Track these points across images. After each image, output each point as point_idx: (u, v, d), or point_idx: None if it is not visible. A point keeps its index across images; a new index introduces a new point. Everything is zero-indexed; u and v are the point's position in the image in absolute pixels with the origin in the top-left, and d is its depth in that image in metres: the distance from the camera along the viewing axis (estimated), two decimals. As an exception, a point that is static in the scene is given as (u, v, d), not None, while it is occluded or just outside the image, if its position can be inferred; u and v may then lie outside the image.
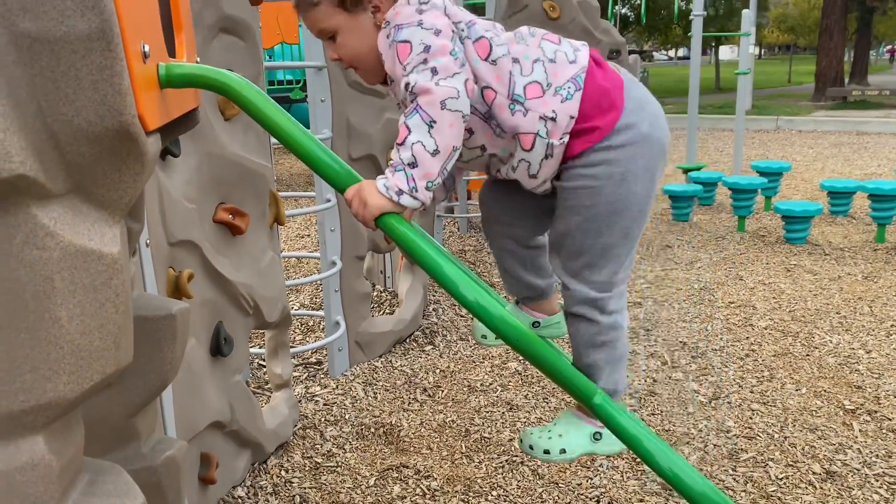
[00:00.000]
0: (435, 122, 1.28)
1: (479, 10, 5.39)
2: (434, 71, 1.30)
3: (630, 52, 5.53)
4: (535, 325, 1.70)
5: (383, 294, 4.36)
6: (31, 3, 0.75)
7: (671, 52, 44.11)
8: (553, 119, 1.41)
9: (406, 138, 1.29)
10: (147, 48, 0.90)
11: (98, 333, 0.89)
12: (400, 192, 1.29)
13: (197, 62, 1.66)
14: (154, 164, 0.95)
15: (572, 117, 1.42)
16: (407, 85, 1.31)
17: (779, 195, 6.80)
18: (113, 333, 0.91)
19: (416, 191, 1.29)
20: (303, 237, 5.88)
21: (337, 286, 3.24)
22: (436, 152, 1.29)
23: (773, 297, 4.11)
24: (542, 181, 1.50)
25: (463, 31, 1.39)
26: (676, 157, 9.34)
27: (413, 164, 1.28)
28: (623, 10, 21.86)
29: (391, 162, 1.32)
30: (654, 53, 45.42)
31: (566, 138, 1.43)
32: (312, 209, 3.17)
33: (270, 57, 8.43)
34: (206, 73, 1.05)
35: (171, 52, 1.32)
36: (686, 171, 7.10)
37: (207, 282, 2.37)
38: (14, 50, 0.76)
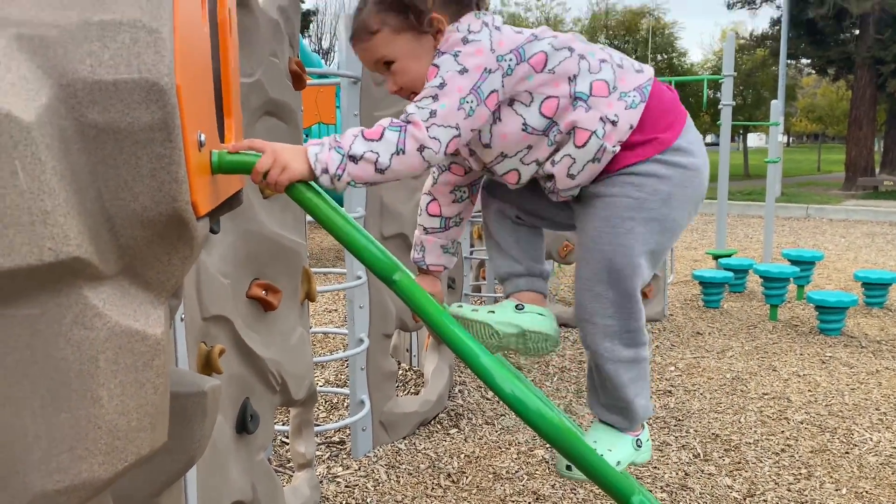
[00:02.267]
0: (404, 153, 1.27)
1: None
2: (432, 114, 1.30)
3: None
4: (520, 307, 1.57)
5: (408, 373, 4.32)
6: (100, 96, 0.79)
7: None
8: (614, 123, 1.40)
9: (372, 140, 1.26)
10: (203, 137, 0.94)
11: (136, 414, 0.89)
12: (325, 171, 1.25)
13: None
14: (202, 247, 0.98)
15: (632, 126, 1.40)
16: (406, 111, 1.32)
17: (811, 284, 6.70)
18: (150, 414, 0.91)
19: (338, 179, 1.26)
20: (330, 311, 5.90)
21: (363, 364, 3.22)
22: (380, 172, 1.27)
23: (809, 390, 3.99)
24: (576, 185, 1.47)
25: (511, 60, 1.38)
26: (706, 243, 9.33)
27: (354, 160, 1.25)
28: (651, 97, 22.28)
29: (337, 138, 1.28)
30: (682, 139, 45.88)
31: (618, 147, 1.41)
32: (342, 286, 3.19)
33: (307, 136, 8.70)
34: (254, 161, 1.09)
35: (221, 137, 1.38)
36: (716, 256, 7.05)
37: (237, 357, 2.38)
38: (80, 138, 0.80)
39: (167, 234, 0.88)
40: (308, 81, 2.86)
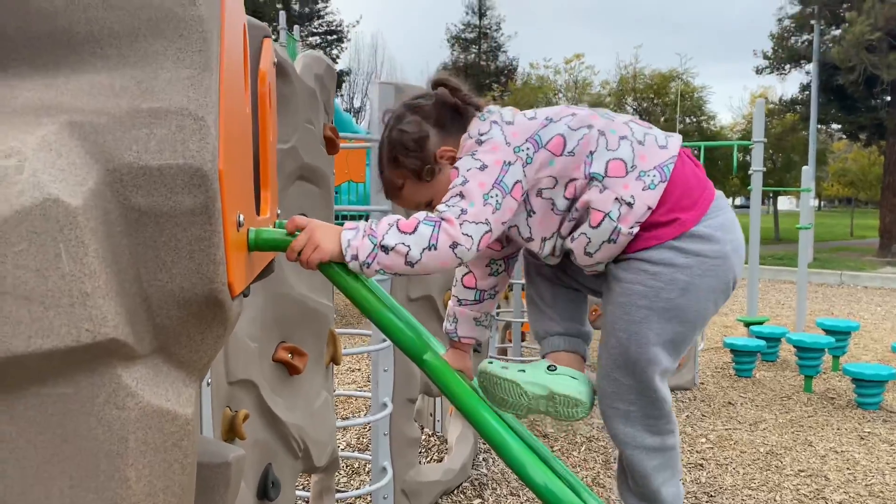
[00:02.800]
0: (436, 249, 1.27)
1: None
2: (463, 211, 1.31)
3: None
4: (552, 368, 1.50)
5: (431, 438, 4.25)
6: (144, 181, 0.81)
7: (728, 201, 44.33)
8: (630, 204, 1.35)
9: (405, 233, 1.26)
10: (242, 218, 0.95)
11: (163, 495, 0.88)
12: (355, 257, 1.25)
13: (278, 214, 1.75)
14: (233, 328, 0.98)
15: (650, 208, 1.35)
16: (437, 210, 1.33)
17: (847, 355, 6.52)
18: (177, 495, 0.90)
19: (367, 266, 1.25)
20: (353, 371, 5.87)
21: (386, 429, 3.18)
22: (410, 265, 1.26)
23: (847, 468, 3.84)
24: (595, 262, 1.43)
25: (528, 149, 1.38)
26: (737, 309, 9.18)
27: (386, 251, 1.25)
28: (679, 160, 22.27)
29: (373, 226, 1.28)
30: (711, 201, 45.60)
31: (636, 228, 1.36)
32: (368, 349, 3.18)
33: (337, 193, 8.82)
34: (290, 240, 1.10)
35: (258, 208, 1.40)
36: (748, 324, 6.92)
37: (261, 422, 2.36)
38: (123, 221, 0.82)
39: (202, 314, 0.89)
40: (341, 145, 2.91)
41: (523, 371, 1.46)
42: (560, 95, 26.51)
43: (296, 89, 2.55)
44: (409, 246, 1.26)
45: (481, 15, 34.26)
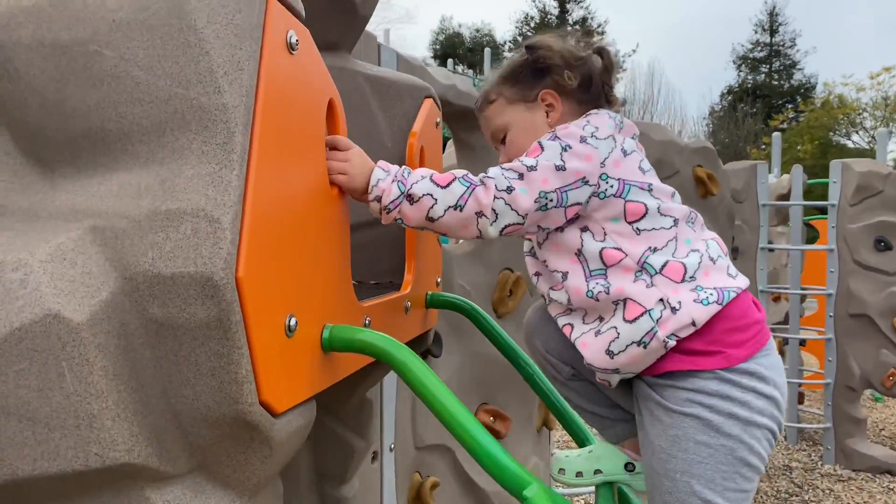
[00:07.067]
0: (461, 211, 1.19)
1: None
2: (509, 189, 1.20)
3: None
4: (630, 467, 1.40)
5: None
6: (159, 290, 0.73)
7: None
8: (674, 309, 1.19)
9: (437, 186, 1.19)
10: (294, 321, 0.84)
11: None
12: (378, 199, 1.19)
13: (438, 282, 1.64)
14: (294, 443, 0.87)
15: (694, 323, 1.19)
16: (487, 172, 1.24)
17: None
18: None
19: (388, 212, 1.19)
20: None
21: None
22: (430, 220, 1.19)
23: None
24: (612, 369, 1.25)
25: (613, 187, 1.25)
26: None
27: (411, 200, 1.19)
28: None
29: (405, 173, 1.21)
30: None
31: (672, 341, 1.20)
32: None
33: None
34: (369, 340, 0.95)
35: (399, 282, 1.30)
36: None
37: (458, 489, 2.25)
38: (144, 333, 0.75)
39: (237, 435, 0.79)
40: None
41: (601, 472, 1.42)
42: (865, 115, 23.16)
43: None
44: (435, 200, 1.19)
45: (773, 32, 31.51)
